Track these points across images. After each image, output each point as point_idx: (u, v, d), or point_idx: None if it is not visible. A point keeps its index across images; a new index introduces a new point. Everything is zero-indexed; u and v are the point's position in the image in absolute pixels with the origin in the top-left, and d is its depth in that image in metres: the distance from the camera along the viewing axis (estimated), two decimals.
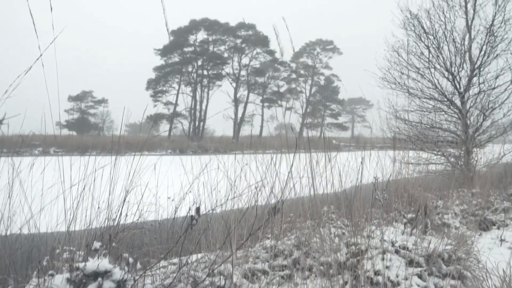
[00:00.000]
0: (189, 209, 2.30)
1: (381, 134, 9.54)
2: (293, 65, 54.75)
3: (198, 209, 2.14)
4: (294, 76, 53.61)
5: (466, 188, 7.11)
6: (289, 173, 3.44)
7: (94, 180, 3.15)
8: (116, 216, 2.95)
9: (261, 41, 47.32)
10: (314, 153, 5.22)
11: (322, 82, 56.54)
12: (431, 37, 9.56)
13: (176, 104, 46.21)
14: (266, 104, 50.75)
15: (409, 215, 3.64)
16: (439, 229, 4.69)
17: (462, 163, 9.23)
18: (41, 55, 2.51)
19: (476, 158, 9.27)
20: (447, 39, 9.38)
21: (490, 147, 9.73)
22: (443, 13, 9.37)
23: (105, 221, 3.06)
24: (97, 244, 2.08)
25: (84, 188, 3.02)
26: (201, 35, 47.40)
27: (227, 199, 3.02)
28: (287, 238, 3.60)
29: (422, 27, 9.56)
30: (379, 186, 5.69)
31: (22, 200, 3.13)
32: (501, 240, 4.06)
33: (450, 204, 5.17)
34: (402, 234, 3.20)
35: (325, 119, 56.90)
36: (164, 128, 47.23)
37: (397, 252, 2.84)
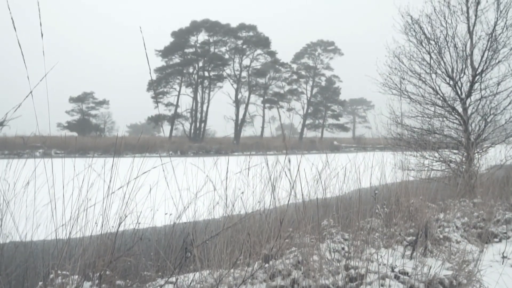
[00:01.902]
0: (184, 242, 2.25)
1: (382, 139, 9.54)
2: (294, 66, 54.75)
3: (192, 241, 2.09)
4: (295, 77, 53.55)
5: (467, 197, 7.05)
6: (291, 190, 3.39)
7: (88, 201, 3.10)
8: (111, 243, 2.90)
9: (262, 42, 47.32)
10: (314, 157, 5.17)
11: (323, 83, 56.47)
12: (433, 42, 9.50)
13: (177, 105, 46.25)
14: (267, 105, 50.76)
15: (409, 238, 3.58)
16: (440, 243, 4.64)
17: (463, 169, 9.16)
18: (30, 92, 2.47)
19: (478, 165, 9.21)
20: (448, 45, 9.31)
21: (492, 151, 9.65)
22: (445, 18, 9.30)
23: (100, 243, 3.01)
24: (87, 285, 2.04)
25: (78, 212, 2.98)
26: (202, 36, 47.48)
27: (222, 229, 2.96)
28: (285, 256, 3.54)
29: (423, 33, 9.50)
30: (379, 195, 5.66)
31: (11, 227, 3.09)
32: (503, 257, 4.01)
33: (451, 217, 5.12)
34: (402, 257, 3.15)
35: (326, 120, 56.86)
36: (165, 129, 47.35)
37: (397, 277, 2.79)
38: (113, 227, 3.47)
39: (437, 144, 9.58)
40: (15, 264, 3.58)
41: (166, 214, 4.01)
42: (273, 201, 4.28)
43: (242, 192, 3.43)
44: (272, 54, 48.53)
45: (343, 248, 4.38)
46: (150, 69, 2.60)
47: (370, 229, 5.23)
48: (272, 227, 3.96)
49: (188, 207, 3.51)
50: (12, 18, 2.21)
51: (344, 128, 59.48)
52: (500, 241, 5.27)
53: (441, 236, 4.71)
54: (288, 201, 3.31)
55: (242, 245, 3.14)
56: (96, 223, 3.56)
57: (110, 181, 2.99)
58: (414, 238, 3.44)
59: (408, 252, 3.20)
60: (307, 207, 4.76)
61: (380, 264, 2.82)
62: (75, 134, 48.55)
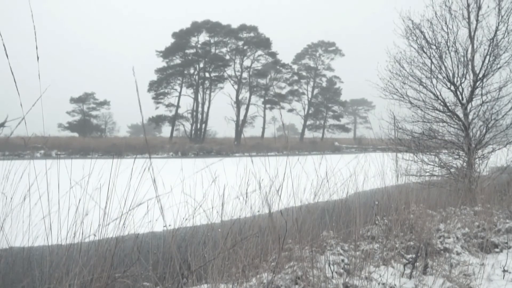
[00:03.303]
0: (180, 267, 2.23)
1: (383, 141, 9.53)
2: (295, 66, 54.72)
3: (189, 266, 2.07)
4: (296, 78, 53.53)
5: (468, 204, 7.02)
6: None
7: (85, 216, 3.08)
8: (109, 256, 2.87)
9: (263, 43, 47.31)
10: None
11: (324, 84, 56.44)
12: (434, 47, 9.46)
13: (178, 106, 46.27)
14: (268, 105, 50.79)
15: (409, 256, 3.55)
16: (440, 254, 4.61)
17: (464, 174, 9.12)
18: (23, 118, 2.46)
19: (478, 170, 9.17)
20: (450, 50, 9.27)
21: (493, 156, 9.61)
22: (446, 23, 9.26)
23: (97, 261, 2.99)
24: None
25: (75, 234, 2.96)
26: (203, 37, 47.52)
27: (218, 254, 2.93)
28: (284, 271, 3.52)
29: (424, 37, 9.45)
30: (379, 205, 5.64)
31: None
32: (504, 271, 3.97)
33: (452, 228, 5.09)
34: (401, 276, 3.12)
35: (327, 120, 56.86)
36: (166, 129, 47.47)
37: None
38: (111, 237, 3.46)
39: (437, 148, 9.55)
40: (12, 277, 3.57)
41: (164, 227, 3.99)
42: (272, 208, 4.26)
43: (239, 216, 3.41)
44: (273, 55, 48.54)
45: (342, 260, 4.36)
46: (139, 101, 2.56)
47: (371, 238, 5.22)
48: (271, 242, 3.95)
49: (187, 219, 3.48)
50: (4, 45, 2.19)
51: (345, 128, 59.50)
52: (501, 251, 5.23)
53: (441, 247, 4.69)
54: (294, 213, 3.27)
55: (241, 263, 3.12)
56: (94, 235, 3.56)
57: (106, 207, 2.97)
58: (413, 256, 3.42)
59: (407, 271, 3.17)
60: (306, 216, 4.75)
61: (379, 284, 2.80)
62: (76, 134, 48.63)
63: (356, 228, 4.03)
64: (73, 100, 50.41)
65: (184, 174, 3.72)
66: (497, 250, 5.27)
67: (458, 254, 4.63)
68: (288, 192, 4.44)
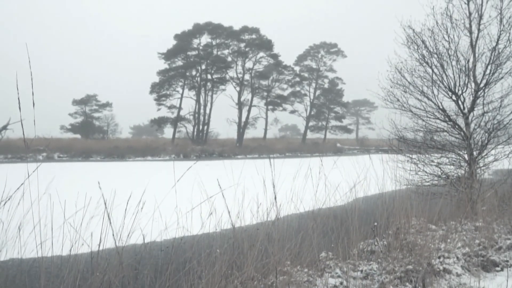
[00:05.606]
0: None
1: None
2: (297, 68, 54.68)
3: None
4: (298, 79, 53.50)
5: (469, 219, 6.98)
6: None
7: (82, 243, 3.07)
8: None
9: (265, 44, 47.27)
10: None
11: (326, 85, 56.36)
12: (435, 56, 9.40)
13: (180, 108, 46.31)
14: (270, 107, 50.80)
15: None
16: (440, 275, 4.59)
17: (465, 184, 9.07)
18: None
19: (480, 180, 9.12)
20: (451, 59, 9.22)
21: (494, 165, 9.56)
22: (447, 32, 9.20)
23: None
24: None
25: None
26: (205, 39, 47.53)
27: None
28: None
29: (426, 46, 9.40)
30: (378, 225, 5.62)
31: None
32: None
33: (452, 247, 5.05)
34: None
35: (329, 122, 56.79)
36: (168, 131, 47.54)
37: None
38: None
39: (439, 153, 9.52)
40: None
41: (162, 250, 3.98)
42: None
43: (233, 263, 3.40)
44: (275, 56, 48.51)
45: (341, 283, 4.35)
46: None
47: (370, 253, 5.20)
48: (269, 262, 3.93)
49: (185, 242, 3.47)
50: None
51: (347, 129, 59.40)
52: (502, 269, 5.19)
53: (441, 268, 4.66)
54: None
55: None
56: (92, 257, 3.57)
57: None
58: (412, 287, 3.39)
59: None
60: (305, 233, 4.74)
61: None
62: (78, 136, 48.79)
63: (354, 247, 4.00)
64: (75, 102, 50.58)
65: (181, 208, 3.71)
66: (498, 268, 5.23)
67: (458, 275, 4.59)
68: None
